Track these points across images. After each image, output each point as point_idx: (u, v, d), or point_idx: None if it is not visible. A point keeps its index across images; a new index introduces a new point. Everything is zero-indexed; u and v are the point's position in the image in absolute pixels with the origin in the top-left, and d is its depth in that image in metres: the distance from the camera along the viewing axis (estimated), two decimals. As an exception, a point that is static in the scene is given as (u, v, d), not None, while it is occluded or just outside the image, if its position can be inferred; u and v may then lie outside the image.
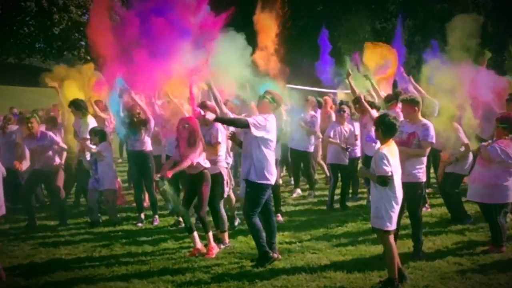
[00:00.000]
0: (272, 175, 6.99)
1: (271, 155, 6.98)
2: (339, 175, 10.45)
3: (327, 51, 13.57)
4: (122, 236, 8.59)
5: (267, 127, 6.88)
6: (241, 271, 6.73)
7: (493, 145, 7.25)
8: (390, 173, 5.88)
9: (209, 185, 7.56)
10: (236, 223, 8.85)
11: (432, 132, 7.14)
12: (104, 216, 9.65)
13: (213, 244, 7.53)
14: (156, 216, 9.39)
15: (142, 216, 9.42)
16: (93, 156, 9.48)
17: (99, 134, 9.46)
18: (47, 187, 10.22)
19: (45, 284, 6.55)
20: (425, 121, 7.22)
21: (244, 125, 6.87)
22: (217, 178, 7.82)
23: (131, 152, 9.62)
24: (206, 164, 7.53)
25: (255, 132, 6.79)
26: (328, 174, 11.49)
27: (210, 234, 7.54)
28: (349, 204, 10.46)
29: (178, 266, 6.99)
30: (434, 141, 7.21)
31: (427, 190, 10.13)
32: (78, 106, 9.89)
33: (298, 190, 11.61)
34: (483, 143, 7.61)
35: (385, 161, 5.88)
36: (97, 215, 9.43)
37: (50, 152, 9.46)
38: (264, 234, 7.04)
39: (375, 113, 8.72)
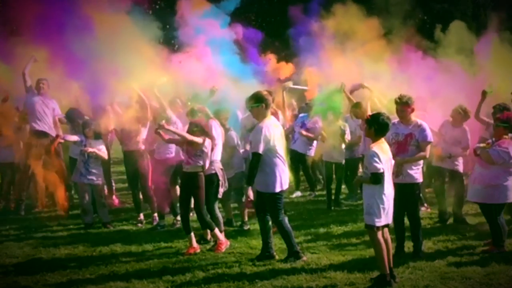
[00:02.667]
0: (286, 180, 7.06)
1: (280, 160, 6.99)
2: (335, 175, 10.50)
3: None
4: (122, 236, 8.59)
5: (267, 136, 6.89)
6: (241, 271, 6.73)
7: (494, 148, 7.22)
8: (381, 170, 5.95)
9: (203, 187, 7.59)
10: (246, 227, 8.88)
11: (429, 131, 7.18)
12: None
13: (222, 239, 7.60)
14: (155, 215, 9.38)
15: (142, 216, 9.43)
16: (82, 152, 9.22)
17: (93, 126, 9.21)
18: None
19: (45, 284, 6.53)
20: (419, 121, 7.22)
21: (258, 157, 6.89)
22: (212, 179, 7.83)
23: (125, 152, 9.63)
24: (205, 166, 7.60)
25: (263, 149, 6.84)
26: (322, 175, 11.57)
27: (217, 230, 7.62)
28: (350, 203, 10.49)
29: (178, 266, 6.99)
30: (432, 140, 7.23)
31: (426, 190, 10.13)
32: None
33: (298, 192, 11.62)
34: (478, 145, 7.57)
35: (377, 159, 5.95)
36: (91, 217, 9.33)
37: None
38: (293, 234, 7.15)
39: None
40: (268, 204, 7.08)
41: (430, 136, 7.14)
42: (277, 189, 6.96)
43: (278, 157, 6.98)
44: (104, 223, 9.26)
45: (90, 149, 9.07)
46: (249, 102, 7.16)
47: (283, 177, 7.02)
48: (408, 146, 7.06)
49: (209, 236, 8.03)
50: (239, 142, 8.97)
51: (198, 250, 7.58)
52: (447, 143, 8.77)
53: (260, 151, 6.86)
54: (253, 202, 8.12)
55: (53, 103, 10.29)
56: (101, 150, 9.24)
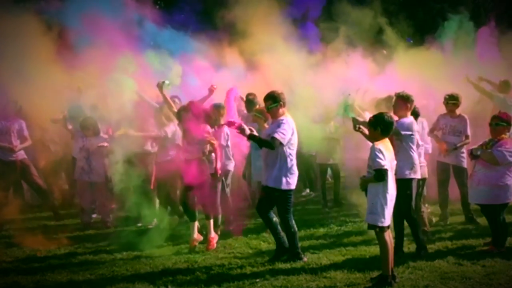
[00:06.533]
0: (296, 177, 7.06)
1: (293, 157, 7.01)
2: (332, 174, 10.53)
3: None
4: (122, 236, 8.58)
5: (289, 130, 6.91)
6: (241, 271, 6.73)
7: (498, 148, 7.19)
8: (385, 167, 5.93)
9: (208, 172, 7.69)
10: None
11: (406, 124, 7.03)
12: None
13: (213, 234, 7.69)
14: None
15: (143, 216, 9.43)
16: (84, 148, 9.21)
17: (92, 126, 9.16)
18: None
19: (45, 284, 6.54)
20: (411, 118, 7.21)
21: (276, 146, 6.83)
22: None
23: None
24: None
25: (286, 143, 6.84)
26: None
27: (211, 221, 7.72)
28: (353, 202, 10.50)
29: (178, 266, 7.00)
30: (407, 132, 7.02)
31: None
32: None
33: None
34: (473, 147, 7.48)
35: (381, 155, 5.94)
36: (89, 217, 9.31)
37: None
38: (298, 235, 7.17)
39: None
40: (279, 201, 7.08)
41: (404, 128, 6.97)
42: (292, 187, 7.01)
43: (294, 155, 7.03)
44: (105, 222, 9.26)
45: (102, 144, 9.03)
46: (266, 103, 7.11)
47: (296, 176, 7.06)
48: (393, 142, 6.98)
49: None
50: (229, 143, 8.94)
51: (201, 238, 7.72)
52: (447, 135, 8.78)
53: (285, 142, 6.83)
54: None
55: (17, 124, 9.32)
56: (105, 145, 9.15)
